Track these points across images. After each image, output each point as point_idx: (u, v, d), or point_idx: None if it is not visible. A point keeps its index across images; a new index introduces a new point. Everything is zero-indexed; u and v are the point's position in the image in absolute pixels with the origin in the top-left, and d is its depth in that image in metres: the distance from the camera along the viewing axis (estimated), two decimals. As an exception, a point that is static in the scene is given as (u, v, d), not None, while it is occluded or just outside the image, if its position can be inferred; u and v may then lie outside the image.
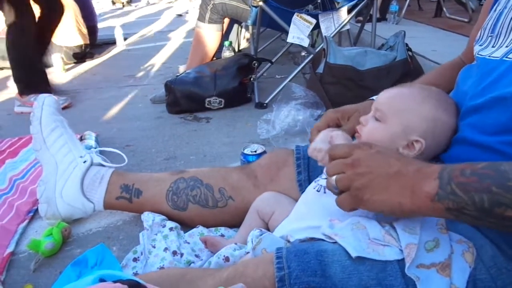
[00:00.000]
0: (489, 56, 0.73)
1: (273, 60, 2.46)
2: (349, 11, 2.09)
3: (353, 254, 0.61)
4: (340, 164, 0.64)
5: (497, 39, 0.74)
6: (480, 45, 0.79)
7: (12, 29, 2.08)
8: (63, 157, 1.07)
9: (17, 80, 2.16)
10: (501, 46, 0.72)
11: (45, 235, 1.00)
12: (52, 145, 1.08)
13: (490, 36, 0.77)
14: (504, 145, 0.64)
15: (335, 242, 0.65)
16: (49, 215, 1.08)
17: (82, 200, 1.05)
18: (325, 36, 1.89)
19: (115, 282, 0.49)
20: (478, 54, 0.77)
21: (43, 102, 1.12)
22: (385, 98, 0.79)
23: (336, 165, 0.64)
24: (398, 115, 0.75)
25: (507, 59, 0.68)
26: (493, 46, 0.75)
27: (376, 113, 0.78)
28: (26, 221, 1.13)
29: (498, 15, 0.75)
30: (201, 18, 2.19)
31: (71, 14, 3.22)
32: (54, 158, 1.07)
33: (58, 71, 3.04)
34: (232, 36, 3.15)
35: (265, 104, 2.05)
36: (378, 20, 3.66)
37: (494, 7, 0.79)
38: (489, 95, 0.68)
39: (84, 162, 1.07)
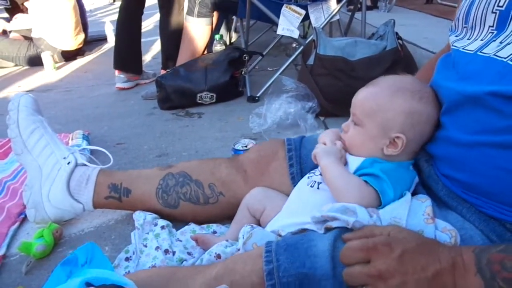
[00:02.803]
0: (463, 49, 0.72)
1: (264, 53, 2.44)
2: (338, 1, 2.08)
3: (350, 222, 0.62)
4: (362, 276, 0.57)
5: (472, 31, 0.73)
6: (455, 36, 0.78)
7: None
8: (46, 160, 1.04)
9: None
10: (476, 39, 0.71)
11: (36, 237, 0.99)
12: (33, 148, 1.04)
13: (464, 27, 0.76)
14: (483, 145, 0.63)
15: (326, 232, 0.66)
16: (38, 219, 1.06)
17: (70, 202, 1.04)
18: (314, 27, 1.87)
19: (99, 286, 0.48)
20: (453, 45, 0.76)
21: (19, 103, 1.07)
22: (358, 101, 0.79)
23: (356, 276, 0.57)
24: (372, 116, 0.76)
25: (481, 54, 0.67)
26: (468, 39, 0.74)
27: (353, 118, 0.79)
28: (17, 223, 1.12)
29: (470, 4, 0.74)
30: (190, 12, 2.17)
31: (71, 19, 3.21)
32: (36, 162, 1.04)
33: (49, 69, 3.02)
34: (223, 30, 3.13)
35: (257, 98, 2.04)
36: (370, 8, 3.66)
37: None
38: (465, 93, 0.67)
39: (68, 163, 1.05)
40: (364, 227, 0.63)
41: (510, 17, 0.65)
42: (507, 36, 0.65)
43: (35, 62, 3.17)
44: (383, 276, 0.55)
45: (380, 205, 0.71)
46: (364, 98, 0.78)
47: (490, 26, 0.69)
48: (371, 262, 0.56)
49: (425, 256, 0.56)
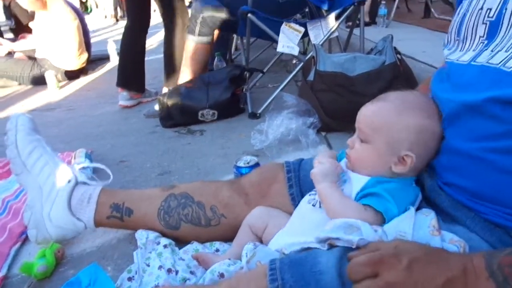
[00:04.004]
0: (457, 60, 0.73)
1: (265, 70, 2.47)
2: (337, 18, 2.10)
3: (354, 242, 0.61)
4: None
5: (464, 43, 0.75)
6: (448, 49, 0.80)
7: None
8: (46, 179, 1.04)
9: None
10: (469, 50, 0.72)
11: (38, 257, 0.99)
12: (33, 167, 1.04)
13: (457, 40, 0.78)
14: (484, 151, 0.64)
15: (330, 249, 0.65)
16: (40, 239, 1.06)
17: (72, 220, 1.04)
18: (314, 44, 1.90)
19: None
20: (447, 58, 0.78)
21: (17, 123, 1.06)
22: (365, 116, 0.77)
23: None
24: (381, 133, 0.74)
25: (474, 63, 0.69)
26: (461, 50, 0.75)
27: (360, 134, 0.77)
28: (19, 243, 1.12)
29: (461, 18, 0.76)
30: (191, 31, 2.20)
31: (75, 39, 3.26)
32: (37, 182, 1.04)
33: (52, 88, 3.05)
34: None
35: (258, 114, 2.05)
36: (369, 24, 3.71)
37: (457, 10, 0.79)
38: (462, 102, 0.67)
39: (69, 182, 1.05)
40: (369, 243, 0.62)
41: (500, 26, 0.66)
42: (497, 44, 0.66)
43: (39, 81, 3.21)
44: None
45: (383, 220, 0.70)
46: (373, 114, 0.76)
47: (481, 37, 0.70)
48: (379, 275, 0.55)
49: (434, 264, 0.55)
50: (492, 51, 0.66)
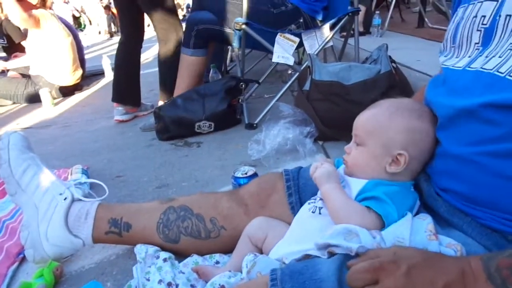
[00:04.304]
0: (452, 66, 0.75)
1: (260, 80, 2.48)
2: (331, 28, 2.12)
3: (353, 250, 0.61)
4: None
5: (460, 49, 0.76)
6: (445, 56, 0.81)
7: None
8: (41, 198, 1.02)
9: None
10: (464, 56, 0.74)
11: (36, 277, 0.97)
12: (27, 186, 1.03)
13: (452, 47, 0.79)
14: (480, 156, 0.64)
15: (330, 257, 0.65)
16: (37, 259, 1.04)
17: (69, 238, 1.02)
18: (309, 53, 1.91)
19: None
20: (443, 64, 0.79)
21: (9, 142, 1.05)
22: (360, 122, 0.81)
23: None
24: (374, 135, 0.77)
25: (469, 69, 0.70)
26: (456, 57, 0.77)
27: (355, 139, 0.80)
28: (16, 263, 1.10)
29: (456, 25, 0.78)
30: (186, 44, 2.21)
31: (69, 56, 3.27)
32: (32, 200, 1.02)
33: (47, 106, 3.04)
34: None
35: (255, 125, 2.05)
36: (363, 33, 3.74)
37: (453, 18, 0.82)
38: (457, 107, 0.68)
39: (65, 199, 1.03)
40: (368, 251, 0.62)
41: (494, 33, 0.68)
42: (491, 50, 0.67)
43: (34, 99, 3.21)
44: None
45: (384, 228, 0.70)
46: (366, 119, 0.80)
47: (476, 43, 0.72)
48: (379, 282, 0.55)
49: (432, 269, 0.55)
50: (486, 56, 0.67)
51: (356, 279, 0.57)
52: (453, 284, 0.54)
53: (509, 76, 0.61)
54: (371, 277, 0.56)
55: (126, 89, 2.41)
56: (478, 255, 0.57)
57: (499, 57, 0.65)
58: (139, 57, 2.42)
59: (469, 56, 0.72)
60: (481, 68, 0.66)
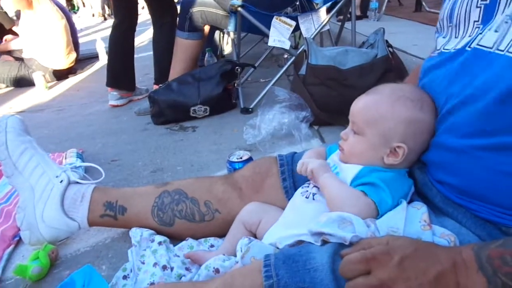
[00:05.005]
0: (454, 49, 0.72)
1: (256, 64, 2.46)
2: (328, 11, 2.10)
3: (347, 239, 0.61)
4: (365, 287, 0.56)
5: (457, 28, 0.73)
6: (443, 37, 0.78)
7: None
8: (37, 180, 1.03)
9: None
10: (464, 37, 0.71)
11: (32, 259, 0.97)
12: (24, 169, 1.03)
13: (449, 26, 0.76)
14: (475, 149, 0.63)
15: (323, 244, 0.65)
16: (33, 241, 1.04)
17: (65, 221, 1.03)
18: (305, 37, 1.89)
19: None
20: (444, 48, 0.76)
21: (6, 125, 1.06)
22: (358, 109, 0.78)
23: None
24: (373, 125, 0.75)
25: (469, 48, 0.67)
26: (456, 37, 0.74)
27: (353, 127, 0.78)
28: (12, 246, 1.10)
29: (453, 3, 0.75)
30: (180, 27, 2.18)
31: (62, 38, 3.22)
32: (28, 182, 1.03)
33: (41, 89, 3.01)
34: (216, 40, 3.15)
35: (250, 109, 2.04)
36: (360, 17, 3.70)
37: None
38: (454, 96, 0.67)
39: (61, 181, 1.04)
40: (362, 240, 0.62)
41: (496, 9, 0.65)
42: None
43: (27, 82, 3.17)
44: (386, 285, 0.54)
45: (378, 214, 0.70)
46: (365, 106, 0.77)
47: (475, 21, 0.69)
48: (371, 272, 0.56)
49: (424, 259, 0.55)
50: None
51: (348, 270, 0.57)
52: (445, 274, 0.54)
53: (508, 52, 0.59)
54: (363, 268, 0.56)
55: (121, 73, 2.38)
56: (470, 244, 0.57)
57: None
58: (133, 40, 2.38)
59: (470, 36, 0.69)
60: (478, 45, 0.64)
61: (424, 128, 0.73)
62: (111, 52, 2.37)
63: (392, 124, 0.73)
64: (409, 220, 0.66)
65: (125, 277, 0.92)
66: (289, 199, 0.87)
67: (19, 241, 1.12)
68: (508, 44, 0.60)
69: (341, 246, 0.62)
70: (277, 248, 0.74)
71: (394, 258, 0.55)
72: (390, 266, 0.55)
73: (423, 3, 3.93)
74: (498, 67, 0.61)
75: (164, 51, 2.29)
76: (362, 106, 0.77)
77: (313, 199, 0.78)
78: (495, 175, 0.62)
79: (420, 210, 0.69)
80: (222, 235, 0.99)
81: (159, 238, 0.99)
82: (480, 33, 0.66)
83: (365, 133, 0.75)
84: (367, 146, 0.75)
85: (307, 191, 0.81)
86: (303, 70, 1.79)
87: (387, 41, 1.76)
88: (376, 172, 0.73)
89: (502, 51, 0.61)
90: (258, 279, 0.62)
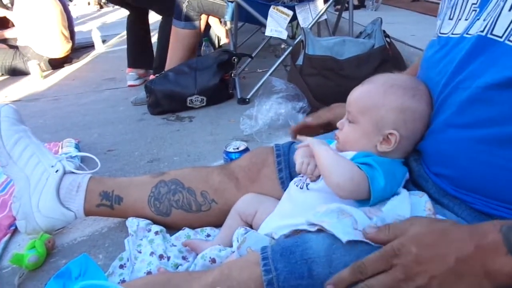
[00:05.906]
0: (452, 34, 0.72)
1: (253, 54, 2.44)
2: (325, 1, 2.08)
3: (344, 239, 0.61)
4: (388, 284, 0.56)
5: (454, 9, 0.73)
6: (440, 19, 0.78)
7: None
8: (33, 169, 1.02)
9: None
10: (460, 19, 0.71)
11: (28, 248, 0.97)
12: (19, 158, 1.02)
13: (448, 8, 0.76)
14: (472, 141, 0.63)
15: (320, 232, 0.65)
16: (29, 230, 1.04)
17: (61, 210, 1.02)
18: (302, 27, 1.88)
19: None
20: (440, 33, 0.76)
21: (0, 114, 1.04)
22: (352, 98, 0.80)
23: (384, 285, 0.57)
24: (366, 113, 0.76)
25: (467, 35, 0.67)
26: (451, 19, 0.73)
27: (348, 116, 0.79)
28: (8, 235, 1.10)
29: None
30: (177, 16, 2.16)
31: (58, 26, 3.18)
32: (23, 172, 1.02)
33: (36, 78, 2.98)
34: (212, 33, 3.12)
35: (247, 100, 2.04)
36: (357, 7, 3.69)
37: None
38: (451, 86, 0.67)
39: (56, 171, 1.03)
40: (381, 227, 0.62)
41: None
42: (489, 12, 0.64)
43: (22, 71, 3.13)
44: (409, 278, 0.55)
45: (369, 191, 0.70)
46: (359, 95, 0.79)
47: (473, 4, 0.69)
48: (392, 268, 0.56)
49: (442, 245, 0.55)
50: (484, 20, 0.64)
51: (371, 269, 0.57)
52: (467, 259, 0.53)
53: (508, 41, 0.59)
54: (384, 266, 0.57)
55: (138, 52, 2.57)
56: (496, 224, 0.55)
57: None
58: (147, 22, 2.59)
59: (466, 19, 0.69)
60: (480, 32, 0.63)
61: (416, 116, 0.73)
62: (128, 34, 2.58)
63: (383, 112, 0.74)
64: (414, 208, 0.67)
65: (121, 266, 0.93)
66: (285, 190, 0.87)
67: (15, 230, 1.12)
68: (506, 31, 0.60)
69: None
70: (273, 238, 0.74)
71: (412, 249, 0.55)
72: (412, 256, 0.55)
73: (421, -7, 3.91)
74: (495, 54, 0.61)
75: (164, 41, 2.29)
76: (356, 95, 0.79)
77: (307, 189, 0.78)
78: (490, 167, 0.62)
79: (423, 198, 0.69)
80: (218, 225, 0.99)
81: (155, 227, 0.99)
82: (478, 18, 0.65)
83: (359, 121, 0.77)
84: (361, 134, 0.76)
85: (300, 180, 0.81)
86: (300, 60, 1.78)
87: (384, 31, 1.76)
88: (371, 156, 0.74)
89: (501, 37, 0.60)
90: (256, 272, 0.63)
